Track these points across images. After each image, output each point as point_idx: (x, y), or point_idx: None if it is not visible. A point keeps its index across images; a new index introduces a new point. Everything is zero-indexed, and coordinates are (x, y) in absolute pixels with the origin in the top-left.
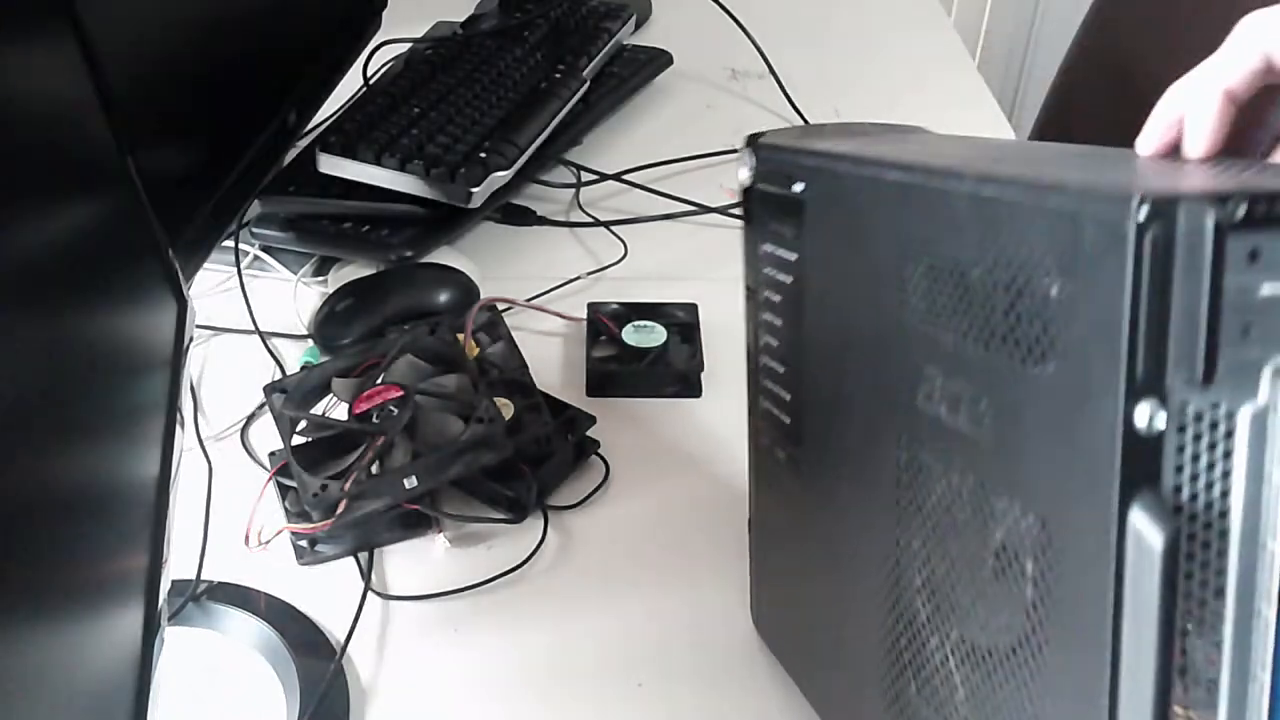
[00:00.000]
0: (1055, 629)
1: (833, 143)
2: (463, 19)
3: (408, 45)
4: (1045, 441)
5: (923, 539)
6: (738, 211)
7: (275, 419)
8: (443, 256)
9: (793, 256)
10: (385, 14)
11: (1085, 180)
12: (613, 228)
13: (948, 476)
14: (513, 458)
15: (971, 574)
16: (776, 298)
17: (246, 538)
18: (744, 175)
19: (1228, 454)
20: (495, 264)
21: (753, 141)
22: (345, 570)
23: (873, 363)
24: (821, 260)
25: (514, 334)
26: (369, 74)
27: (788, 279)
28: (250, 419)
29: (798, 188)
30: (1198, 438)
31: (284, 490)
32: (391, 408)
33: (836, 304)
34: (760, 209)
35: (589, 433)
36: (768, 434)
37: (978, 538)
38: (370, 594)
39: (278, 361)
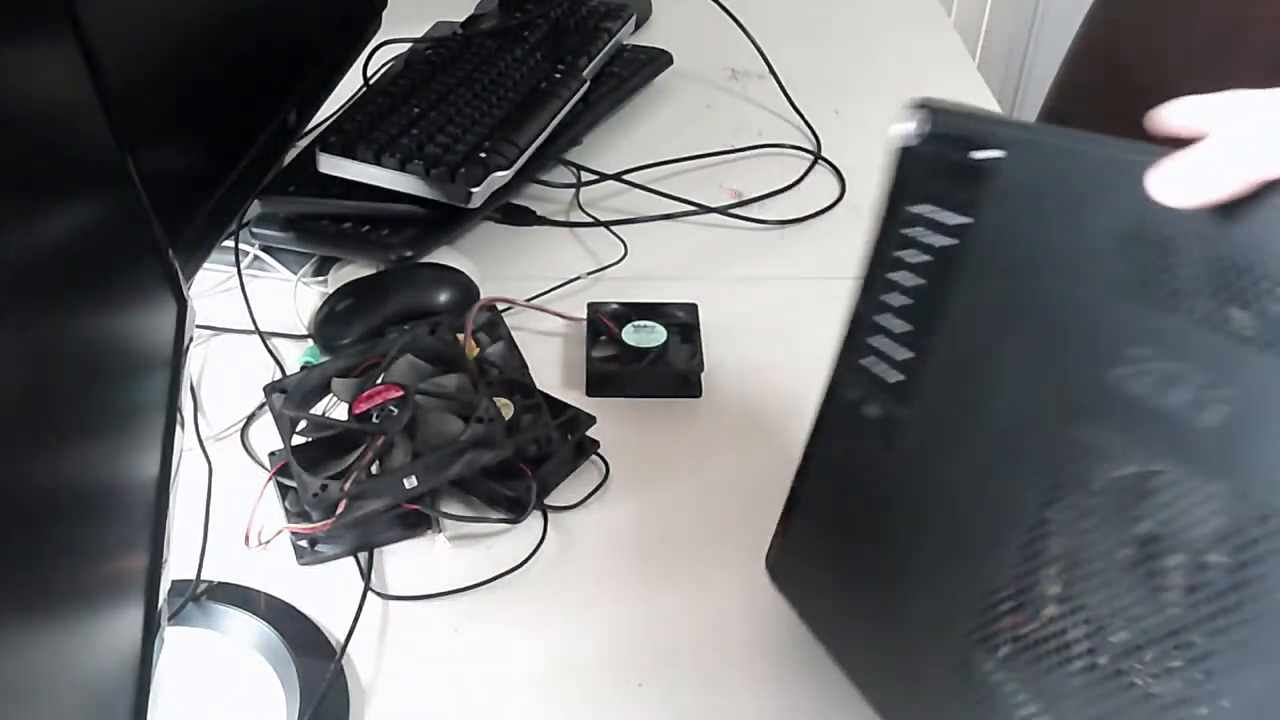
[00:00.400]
0: (1249, 631)
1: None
2: (463, 19)
3: (408, 45)
4: None
5: (1077, 515)
6: (738, 211)
7: (275, 419)
8: (443, 256)
9: (961, 220)
10: (385, 14)
11: None
12: (613, 228)
13: (1133, 457)
14: (513, 458)
15: (1132, 561)
16: (921, 258)
17: (246, 538)
18: (907, 134)
19: None
20: (495, 264)
21: (926, 105)
22: (345, 570)
23: (1052, 336)
24: (1006, 229)
25: (514, 334)
26: (369, 74)
27: (948, 241)
28: (250, 419)
29: (987, 154)
30: None
31: (284, 490)
32: (391, 408)
33: (1017, 273)
34: (919, 170)
35: (589, 433)
36: (859, 388)
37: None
38: (370, 594)
39: (278, 361)
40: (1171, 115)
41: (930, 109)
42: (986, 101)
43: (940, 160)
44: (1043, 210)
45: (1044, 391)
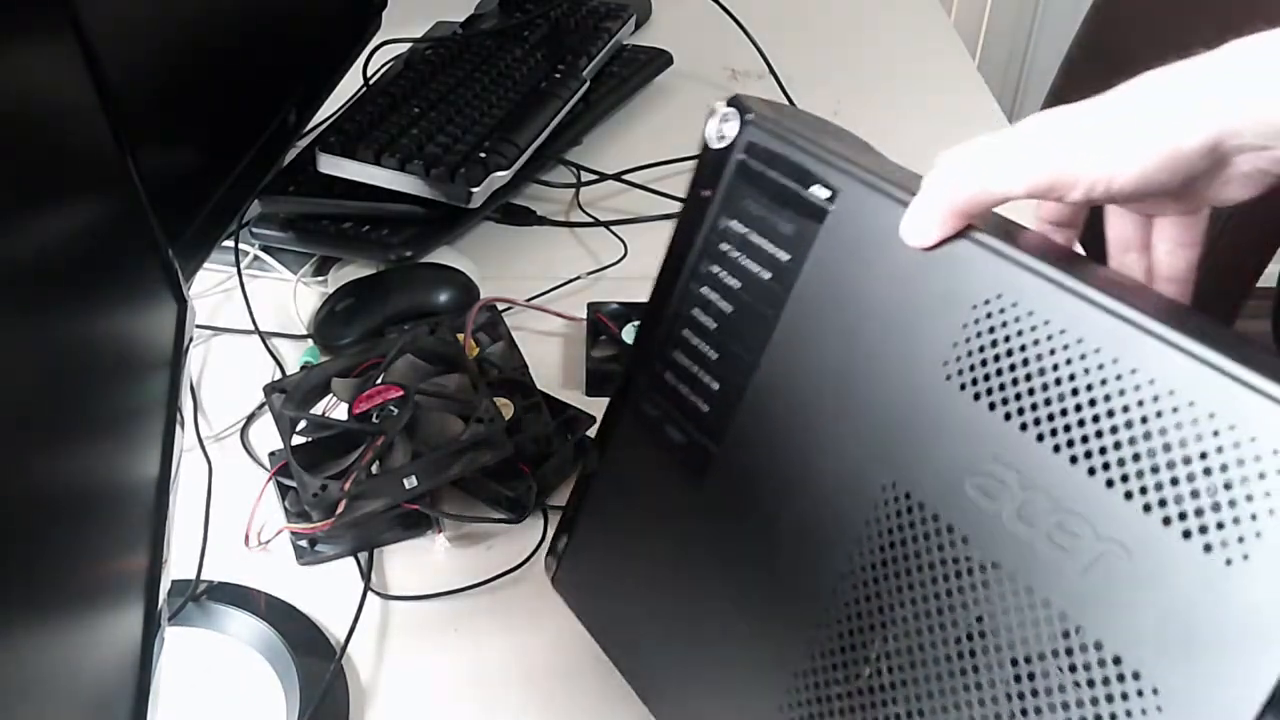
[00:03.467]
0: None
1: (855, 156)
2: (463, 19)
3: (408, 45)
4: (1176, 612)
5: (898, 590)
6: None
7: (275, 419)
8: (443, 256)
9: (783, 256)
10: (385, 14)
11: None
12: (613, 228)
13: (975, 563)
14: (513, 458)
15: (966, 657)
16: (734, 282)
17: (246, 538)
18: (719, 136)
19: None
20: (495, 264)
21: (742, 107)
22: (345, 570)
23: (886, 409)
24: (833, 279)
25: (514, 334)
26: (369, 74)
27: (765, 274)
28: (250, 419)
29: (817, 193)
30: None
31: (284, 490)
32: (391, 408)
33: (844, 335)
34: (741, 185)
35: (589, 433)
36: (662, 407)
37: (1003, 632)
38: (370, 594)
39: (278, 361)
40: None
41: (749, 114)
42: (986, 101)
43: (764, 181)
44: (872, 265)
45: (871, 463)
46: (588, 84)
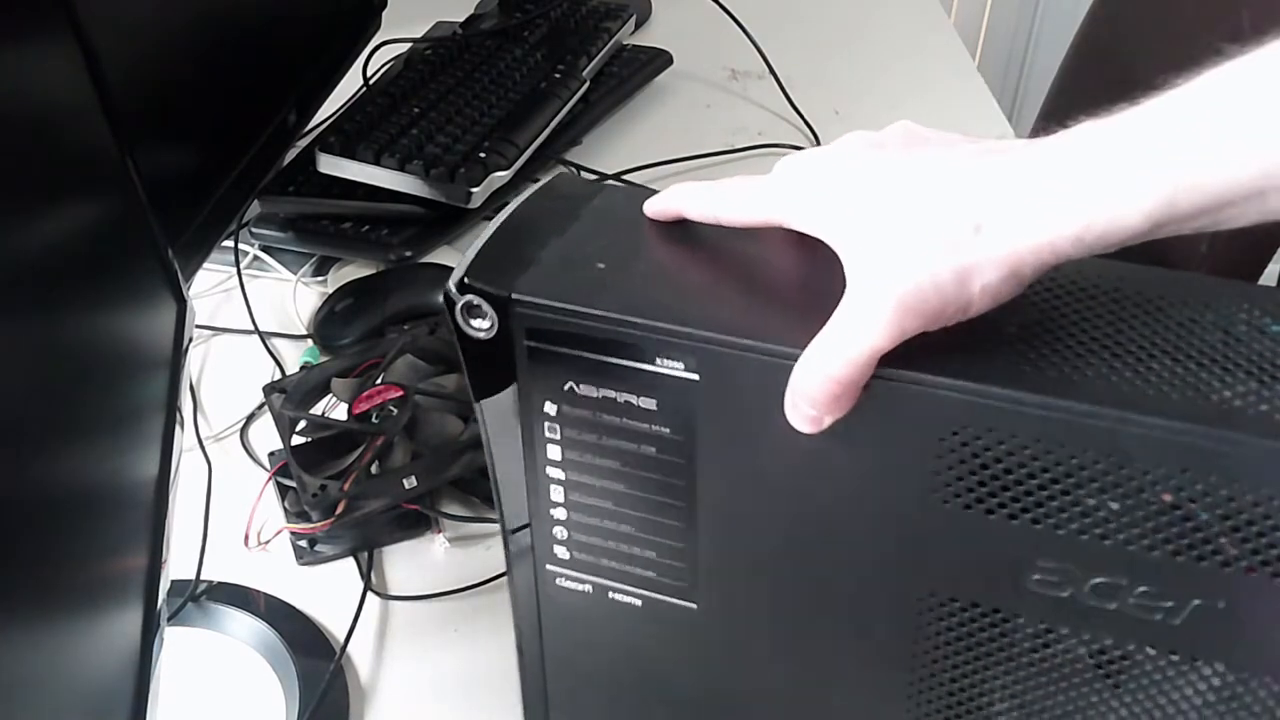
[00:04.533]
0: None
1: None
2: (463, 19)
3: (408, 45)
4: None
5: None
6: None
7: (275, 419)
8: (443, 256)
9: (662, 430)
10: (385, 14)
11: None
12: None
13: (1076, 640)
14: None
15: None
16: (610, 463)
17: (246, 538)
18: (471, 328)
19: None
20: None
21: (470, 289)
22: (345, 570)
23: (872, 542)
24: (737, 440)
25: None
26: (369, 74)
27: (643, 449)
28: (250, 419)
29: (676, 366)
30: None
31: (284, 490)
32: (391, 408)
33: (757, 477)
34: (554, 369)
35: None
36: (549, 560)
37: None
38: (370, 594)
39: (277, 361)
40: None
41: (511, 299)
42: (986, 101)
43: (583, 364)
44: (776, 423)
45: (883, 593)
46: (587, 84)
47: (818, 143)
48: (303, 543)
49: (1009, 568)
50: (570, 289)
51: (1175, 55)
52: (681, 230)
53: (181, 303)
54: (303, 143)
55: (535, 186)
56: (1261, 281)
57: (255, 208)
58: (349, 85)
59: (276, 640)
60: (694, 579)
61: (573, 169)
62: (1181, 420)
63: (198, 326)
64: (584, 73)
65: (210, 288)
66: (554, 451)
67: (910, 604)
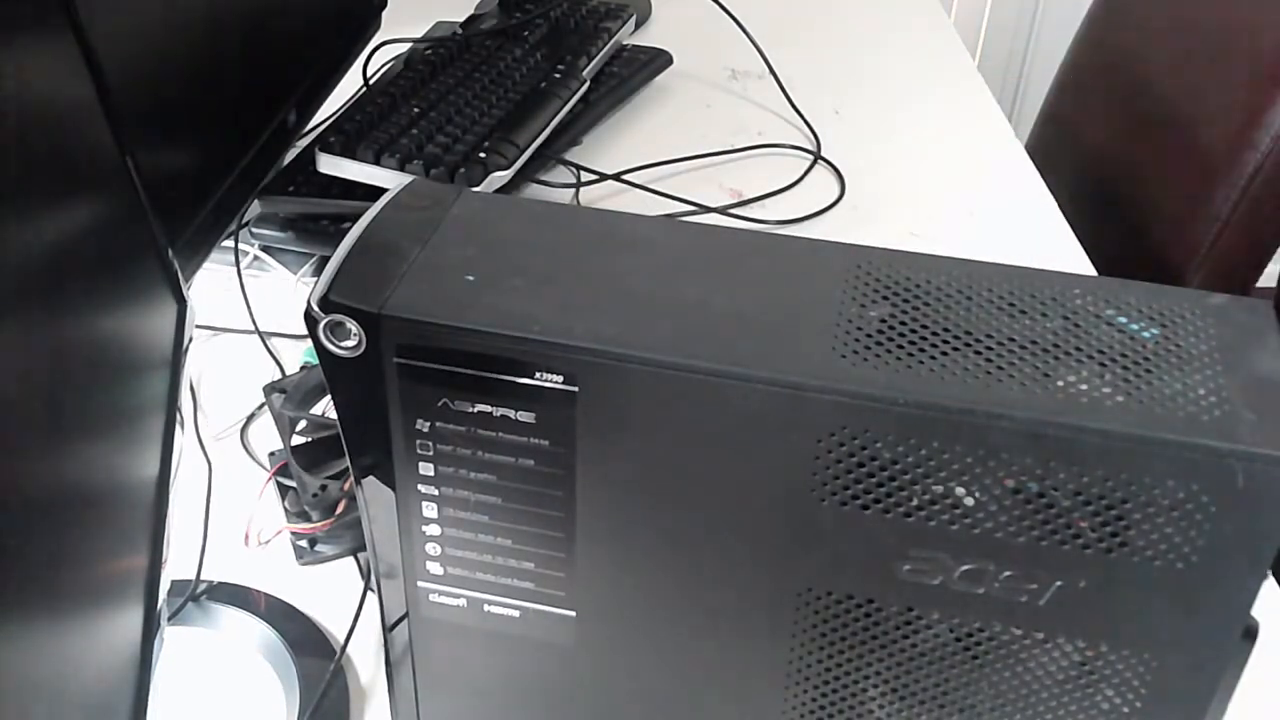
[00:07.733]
0: None
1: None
2: (463, 19)
3: (408, 45)
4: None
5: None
6: (738, 211)
7: (275, 419)
8: None
9: (541, 442)
10: (385, 14)
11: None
12: None
13: (946, 626)
14: None
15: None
16: (484, 476)
17: (246, 538)
18: (335, 346)
19: None
20: None
21: (335, 306)
22: (345, 570)
23: (766, 534)
24: (617, 449)
25: None
26: (369, 74)
27: (522, 462)
28: (250, 419)
29: (555, 379)
30: None
31: (284, 490)
32: None
33: (658, 489)
34: (422, 386)
35: None
36: (454, 584)
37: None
38: (370, 594)
39: (277, 361)
40: None
41: (377, 316)
42: (986, 101)
43: (458, 380)
44: (661, 434)
45: (759, 586)
46: (587, 84)
47: (818, 142)
48: (303, 543)
49: (883, 560)
50: (441, 303)
51: (1175, 54)
52: (552, 235)
53: (182, 303)
54: (303, 143)
55: (387, 196)
56: (1261, 282)
57: (255, 208)
58: (349, 85)
59: (276, 640)
60: (573, 587)
61: (573, 169)
62: (1037, 413)
63: (198, 326)
64: (584, 73)
65: (210, 288)
66: (426, 468)
67: (788, 601)
